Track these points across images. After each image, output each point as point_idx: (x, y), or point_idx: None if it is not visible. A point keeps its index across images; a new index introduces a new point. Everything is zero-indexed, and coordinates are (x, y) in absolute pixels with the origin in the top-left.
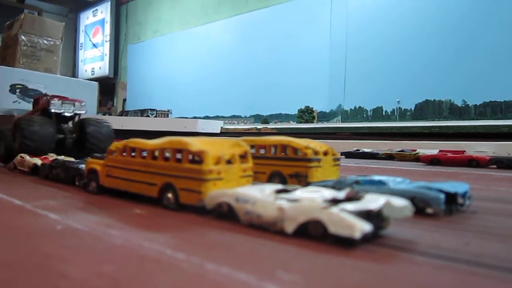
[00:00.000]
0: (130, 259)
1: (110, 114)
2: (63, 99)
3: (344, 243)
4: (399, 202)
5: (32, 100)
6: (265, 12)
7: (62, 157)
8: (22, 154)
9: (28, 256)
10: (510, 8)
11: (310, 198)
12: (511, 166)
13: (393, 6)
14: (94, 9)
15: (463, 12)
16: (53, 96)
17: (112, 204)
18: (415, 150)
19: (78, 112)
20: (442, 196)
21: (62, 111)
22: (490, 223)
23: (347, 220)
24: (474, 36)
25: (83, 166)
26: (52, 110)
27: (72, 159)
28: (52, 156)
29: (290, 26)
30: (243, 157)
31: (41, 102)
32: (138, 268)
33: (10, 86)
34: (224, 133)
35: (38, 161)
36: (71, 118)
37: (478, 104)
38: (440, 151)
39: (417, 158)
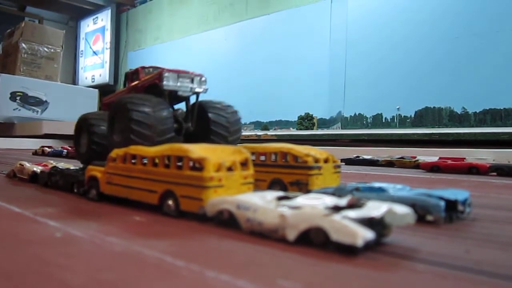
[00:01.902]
0: (129, 266)
1: None
2: (178, 71)
3: (346, 251)
4: (401, 210)
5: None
6: (265, 19)
7: (62, 164)
8: (22, 162)
9: (27, 263)
10: (511, 16)
11: (312, 205)
12: (511, 174)
13: (393, 14)
14: (94, 16)
15: (463, 20)
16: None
17: (112, 211)
18: (415, 157)
19: (197, 90)
20: (442, 203)
21: (178, 88)
22: (490, 231)
23: (349, 228)
24: (474, 44)
25: (82, 173)
26: (166, 87)
27: (71, 167)
28: (51, 164)
29: (290, 32)
30: (244, 164)
31: (141, 77)
32: (137, 275)
33: (11, 93)
34: None
35: (37, 168)
36: (185, 99)
37: (478, 111)
38: (440, 158)
39: (417, 165)
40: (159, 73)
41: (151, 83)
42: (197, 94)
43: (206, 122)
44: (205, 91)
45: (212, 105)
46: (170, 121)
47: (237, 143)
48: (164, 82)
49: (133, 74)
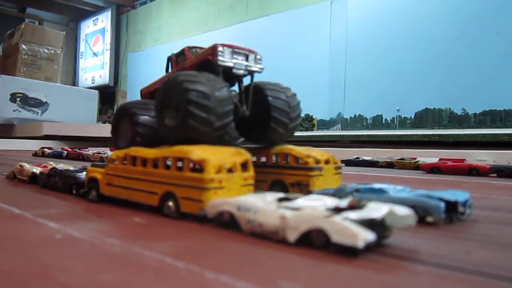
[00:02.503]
0: (129, 267)
1: (110, 122)
2: (232, 46)
3: (347, 252)
4: (402, 211)
5: None
6: (265, 21)
7: (61, 165)
8: (22, 163)
9: (27, 265)
10: (510, 17)
11: (313, 206)
12: (511, 175)
13: (393, 16)
14: (94, 18)
15: (463, 21)
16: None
17: (111, 212)
18: (415, 158)
19: (253, 69)
20: (443, 204)
21: (233, 65)
22: (491, 232)
23: (350, 229)
24: (473, 45)
25: (80, 174)
26: (221, 63)
27: (71, 168)
28: (51, 165)
29: (290, 34)
30: (244, 165)
31: (189, 57)
32: (137, 276)
33: (11, 95)
34: None
35: (37, 169)
36: (238, 78)
37: (478, 112)
38: (440, 159)
39: (417, 167)
40: (212, 48)
41: (203, 60)
42: (252, 73)
43: (263, 106)
44: (261, 70)
45: (270, 87)
46: (230, 102)
47: (295, 131)
48: (219, 58)
49: (179, 56)
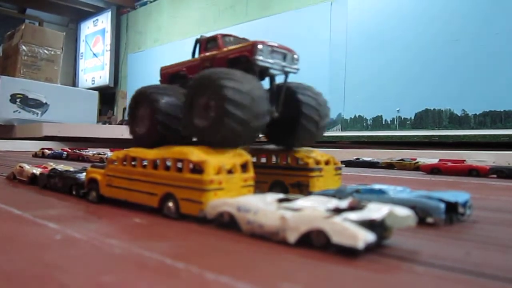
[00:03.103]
0: (129, 268)
1: (110, 123)
2: (272, 45)
3: (347, 253)
4: (402, 212)
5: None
6: (265, 21)
7: (61, 166)
8: (22, 164)
9: (27, 266)
10: (510, 18)
11: (313, 207)
12: (511, 176)
13: (393, 16)
14: (94, 19)
15: (463, 23)
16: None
17: (111, 213)
18: (415, 159)
19: (289, 70)
20: (443, 205)
21: (270, 65)
22: (491, 233)
23: (350, 230)
24: (473, 46)
25: (80, 175)
26: (259, 63)
27: (71, 168)
28: (51, 166)
29: (290, 35)
30: (244, 166)
31: (221, 45)
32: (137, 277)
33: (11, 95)
34: None
35: (36, 170)
36: (272, 78)
37: (477, 113)
38: (440, 160)
39: (417, 167)
40: (251, 45)
41: (238, 55)
42: (287, 74)
43: (291, 105)
44: (296, 71)
45: (295, 84)
46: (266, 103)
47: (324, 132)
48: (258, 57)
49: (209, 42)
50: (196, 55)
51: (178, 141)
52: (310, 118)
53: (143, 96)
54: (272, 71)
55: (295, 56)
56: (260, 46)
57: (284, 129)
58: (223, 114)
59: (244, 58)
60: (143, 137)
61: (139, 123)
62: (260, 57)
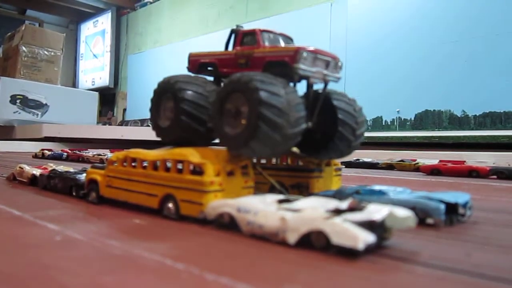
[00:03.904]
0: (129, 269)
1: (110, 124)
2: (316, 51)
3: (347, 254)
4: (402, 213)
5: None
6: (265, 23)
7: (61, 167)
8: (22, 165)
9: (27, 267)
10: (510, 19)
11: (313, 208)
12: (511, 177)
13: (393, 17)
14: (95, 20)
15: (463, 23)
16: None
17: (112, 214)
18: (415, 160)
19: (330, 78)
20: (442, 206)
21: (311, 74)
22: (491, 234)
23: (350, 231)
24: (473, 47)
25: (80, 176)
26: (300, 72)
27: (71, 169)
28: (51, 167)
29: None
30: (244, 168)
31: (260, 42)
32: (137, 278)
33: (11, 96)
34: None
35: (37, 171)
36: (310, 85)
37: (477, 114)
38: (440, 161)
39: (417, 168)
40: (295, 51)
41: (278, 60)
42: (327, 82)
43: (328, 116)
44: (338, 80)
45: (338, 96)
46: (303, 108)
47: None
48: (300, 65)
49: (246, 36)
50: (230, 48)
51: (203, 136)
52: (348, 125)
53: (167, 86)
54: (312, 80)
55: (339, 64)
56: (304, 54)
57: (319, 138)
58: (257, 119)
59: (284, 62)
60: (167, 130)
61: (163, 116)
62: (302, 66)
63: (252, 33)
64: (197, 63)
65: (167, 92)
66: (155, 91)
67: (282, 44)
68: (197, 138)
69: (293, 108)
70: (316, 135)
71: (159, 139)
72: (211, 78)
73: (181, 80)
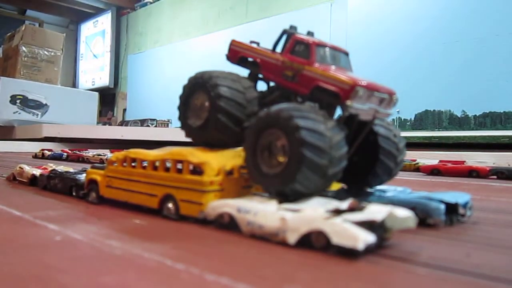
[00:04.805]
0: (129, 270)
1: (110, 124)
2: (372, 87)
3: (347, 254)
4: (402, 213)
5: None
6: (265, 23)
7: (61, 167)
8: (22, 165)
9: (27, 267)
10: (510, 19)
11: (313, 208)
12: (511, 177)
13: (393, 17)
14: (95, 20)
15: (463, 24)
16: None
17: (111, 214)
18: (415, 160)
19: (380, 115)
20: (442, 206)
21: (361, 111)
22: (491, 234)
23: (350, 231)
24: (473, 47)
25: (80, 176)
26: (351, 110)
27: (71, 169)
28: (51, 167)
29: None
30: (244, 168)
31: (312, 57)
32: (137, 279)
33: (11, 97)
34: None
35: (36, 171)
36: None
37: (477, 114)
38: (440, 161)
39: (417, 168)
40: (351, 87)
41: (329, 89)
42: (375, 118)
43: (368, 143)
44: (388, 116)
45: (377, 123)
46: (345, 144)
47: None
48: (353, 103)
49: (300, 44)
50: (277, 49)
51: (238, 136)
52: (389, 153)
53: (201, 82)
54: (361, 117)
55: (394, 99)
56: (360, 92)
57: (358, 168)
58: (299, 160)
59: (335, 94)
60: (199, 130)
61: (194, 114)
62: (355, 104)
63: (306, 44)
64: (238, 54)
65: (200, 88)
66: (185, 87)
67: (338, 60)
68: (232, 139)
69: (335, 147)
70: (355, 162)
71: (160, 139)
72: (243, 72)
73: (216, 75)
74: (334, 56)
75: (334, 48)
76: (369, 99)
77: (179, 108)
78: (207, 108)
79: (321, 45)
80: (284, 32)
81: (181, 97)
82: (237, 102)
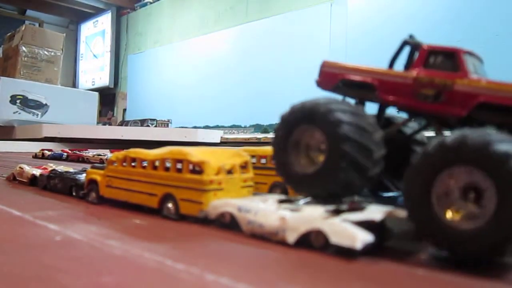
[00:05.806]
0: (129, 270)
1: (110, 124)
2: None
3: (346, 254)
4: (402, 213)
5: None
6: (265, 23)
7: (61, 167)
8: (22, 165)
9: (27, 267)
10: (511, 19)
11: (312, 208)
12: None
13: (393, 17)
14: (95, 20)
15: (463, 23)
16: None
17: (111, 214)
18: None
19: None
20: None
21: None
22: None
23: (349, 231)
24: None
25: (80, 176)
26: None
27: (71, 169)
28: (51, 167)
29: (290, 35)
30: (243, 167)
31: (464, 67)
32: (137, 279)
33: (11, 97)
34: (224, 142)
35: (36, 171)
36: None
37: None
38: None
39: None
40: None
41: (503, 103)
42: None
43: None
44: None
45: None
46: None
47: None
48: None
49: (437, 55)
50: (396, 64)
51: (359, 188)
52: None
53: (311, 114)
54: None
55: None
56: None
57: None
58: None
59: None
60: (311, 179)
61: (298, 157)
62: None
63: (449, 53)
64: (337, 77)
65: (310, 122)
66: (285, 119)
67: (480, 68)
68: (352, 192)
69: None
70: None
71: (160, 139)
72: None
73: (336, 107)
74: (476, 65)
75: (473, 55)
76: None
77: (274, 145)
78: (323, 150)
79: (470, 53)
80: (405, 43)
81: (277, 132)
82: (364, 146)
